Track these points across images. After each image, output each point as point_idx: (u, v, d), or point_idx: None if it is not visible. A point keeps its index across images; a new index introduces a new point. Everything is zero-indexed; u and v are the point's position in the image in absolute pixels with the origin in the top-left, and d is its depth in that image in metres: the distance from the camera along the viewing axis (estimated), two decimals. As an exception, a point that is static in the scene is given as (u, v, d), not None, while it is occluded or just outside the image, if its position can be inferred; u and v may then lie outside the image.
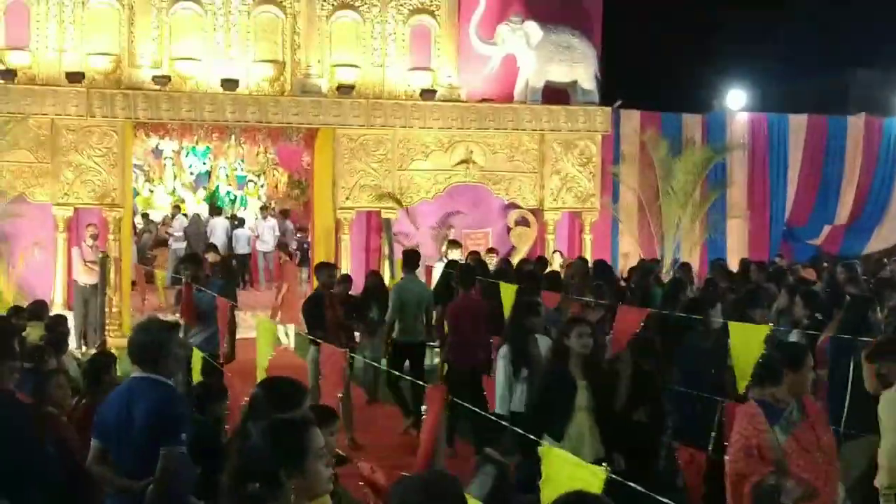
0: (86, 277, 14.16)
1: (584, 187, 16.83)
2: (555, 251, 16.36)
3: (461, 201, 16.80)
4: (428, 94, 16.18)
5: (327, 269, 10.28)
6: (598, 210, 16.96)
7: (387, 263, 15.90)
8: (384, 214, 16.08)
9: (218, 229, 20.48)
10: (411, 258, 10.78)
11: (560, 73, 16.59)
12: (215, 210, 21.57)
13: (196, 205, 24.99)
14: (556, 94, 16.83)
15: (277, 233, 21.45)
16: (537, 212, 16.93)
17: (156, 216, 23.56)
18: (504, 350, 7.48)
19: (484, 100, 16.52)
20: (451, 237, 16.53)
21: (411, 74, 16.43)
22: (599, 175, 16.94)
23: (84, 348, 13.82)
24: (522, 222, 17.13)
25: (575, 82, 16.77)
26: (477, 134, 16.39)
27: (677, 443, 6.77)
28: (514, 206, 16.96)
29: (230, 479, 3.23)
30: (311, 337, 9.04)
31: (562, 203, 16.80)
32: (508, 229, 17.14)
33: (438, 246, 16.36)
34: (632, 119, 17.74)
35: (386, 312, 10.50)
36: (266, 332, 7.33)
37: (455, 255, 14.43)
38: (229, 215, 23.88)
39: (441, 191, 16.40)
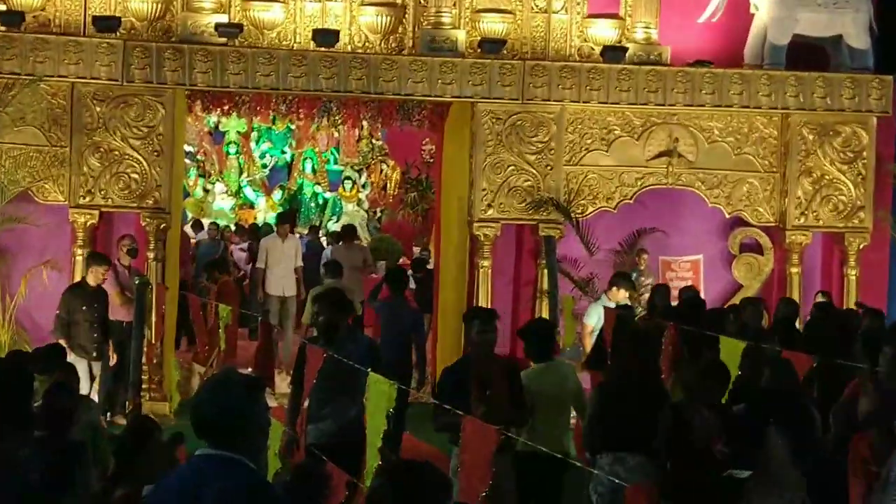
0: (121, 312, 14.35)
1: (850, 196, 16.59)
2: (818, 293, 16.06)
3: (659, 214, 16.72)
4: (614, 53, 16.14)
5: (481, 319, 9.88)
6: (869, 231, 16.68)
7: (546, 302, 15.85)
8: (543, 231, 16.07)
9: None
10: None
11: (816, 25, 16.43)
12: (284, 221, 20.26)
13: (270, 211, 25.40)
14: (809, 55, 16.64)
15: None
16: (775, 232, 16.74)
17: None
18: None
19: (698, 62, 16.40)
20: (642, 266, 16.45)
21: (589, 24, 16.46)
22: (873, 178, 16.66)
23: (109, 415, 14.05)
24: (752, 247, 16.96)
25: (839, 38, 16.57)
26: (686, 113, 16.29)
27: None
28: (739, 222, 16.79)
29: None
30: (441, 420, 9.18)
31: (814, 220, 16.59)
32: (731, 257, 16.97)
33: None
34: (924, 94, 17.27)
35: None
36: (380, 397, 7.53)
37: (622, 297, 14.28)
38: (309, 229, 24.12)
39: (629, 197, 16.35)
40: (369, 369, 8.68)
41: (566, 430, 9.99)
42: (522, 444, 8.83)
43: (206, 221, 23.78)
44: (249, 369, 12.34)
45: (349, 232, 20.27)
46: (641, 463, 8.88)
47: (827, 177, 16.57)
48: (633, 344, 9.81)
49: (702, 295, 16.16)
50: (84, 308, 13.95)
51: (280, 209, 25.97)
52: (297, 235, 21.00)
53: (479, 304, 15.47)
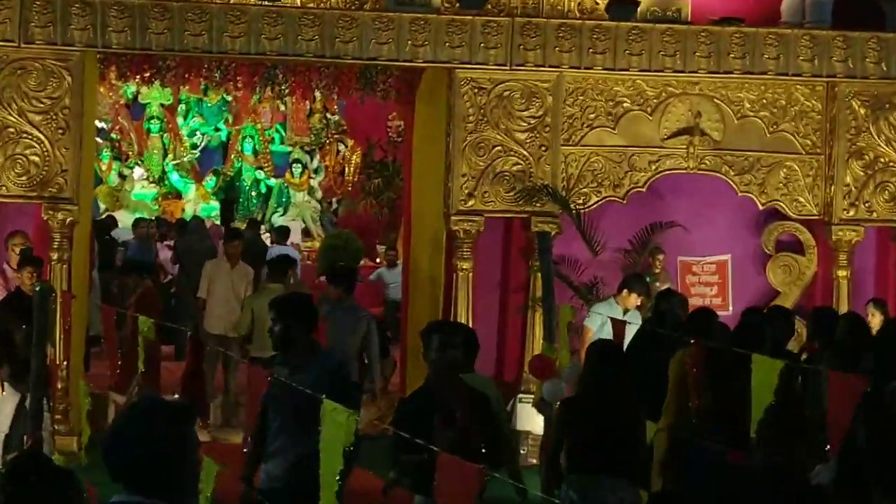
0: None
1: (910, 183, 16.74)
2: (870, 302, 15.95)
3: (677, 205, 16.86)
4: (622, 8, 16.25)
5: (442, 333, 9.97)
6: (934, 226, 16.82)
7: (538, 314, 15.72)
8: (536, 226, 16.14)
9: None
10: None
11: (868, -27, 16.62)
12: (234, 237, 19.28)
13: (201, 202, 25.35)
14: (859, 11, 16.72)
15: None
16: (819, 226, 16.89)
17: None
18: None
19: (725, 20, 16.53)
20: (657, 268, 16.60)
21: (592, -27, 16.52)
22: (939, 161, 16.80)
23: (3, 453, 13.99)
24: (791, 245, 17.11)
25: (896, -10, 16.72)
26: (710, 82, 16.43)
27: None
28: (775, 215, 16.93)
29: None
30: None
31: (866, 212, 16.73)
32: (765, 258, 17.10)
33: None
34: None
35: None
36: (336, 429, 7.62)
37: (632, 303, 14.69)
38: (248, 223, 24.10)
39: (641, 184, 16.45)
40: (324, 396, 8.24)
41: None
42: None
43: (122, 215, 23.69)
44: (176, 395, 12.27)
45: (279, 266, 17.55)
46: (618, 485, 9.56)
47: (882, 160, 16.70)
48: (597, 357, 10.18)
49: (730, 303, 16.37)
50: (25, 325, 13.88)
51: (214, 199, 25.91)
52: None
53: (458, 316, 15.66)
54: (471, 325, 14.60)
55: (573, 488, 9.70)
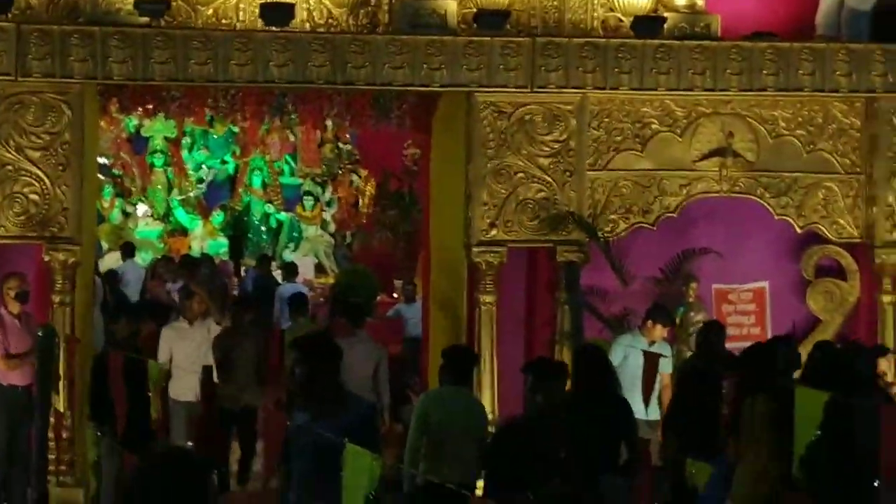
0: (12, 374, 14.35)
1: (957, 202, 16.65)
2: None
3: (711, 230, 16.82)
4: (648, 25, 16.23)
5: (535, 373, 10.13)
6: (983, 248, 16.70)
7: (565, 348, 15.90)
8: (563, 256, 16.14)
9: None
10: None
11: (908, -18, 16.60)
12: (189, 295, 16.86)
13: (208, 238, 25.35)
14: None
15: None
16: (861, 250, 16.84)
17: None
18: None
19: (757, 34, 16.51)
20: (691, 297, 16.52)
21: (616, -11, 16.55)
22: None
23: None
24: (832, 271, 17.04)
25: (937, -1, 16.66)
26: (743, 100, 16.42)
27: None
28: (814, 239, 16.90)
29: None
30: None
31: None
32: (804, 284, 17.01)
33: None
34: None
35: None
36: (359, 474, 7.52)
37: (659, 335, 14.92)
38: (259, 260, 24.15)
39: (672, 209, 16.43)
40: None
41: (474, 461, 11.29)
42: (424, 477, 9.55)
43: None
44: (189, 444, 12.25)
45: (299, 302, 18.25)
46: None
47: (928, 179, 16.65)
48: (588, 363, 11.21)
49: (768, 332, 16.37)
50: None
51: (221, 235, 25.87)
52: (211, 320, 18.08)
53: (482, 352, 15.60)
54: (494, 360, 15.12)
55: None
